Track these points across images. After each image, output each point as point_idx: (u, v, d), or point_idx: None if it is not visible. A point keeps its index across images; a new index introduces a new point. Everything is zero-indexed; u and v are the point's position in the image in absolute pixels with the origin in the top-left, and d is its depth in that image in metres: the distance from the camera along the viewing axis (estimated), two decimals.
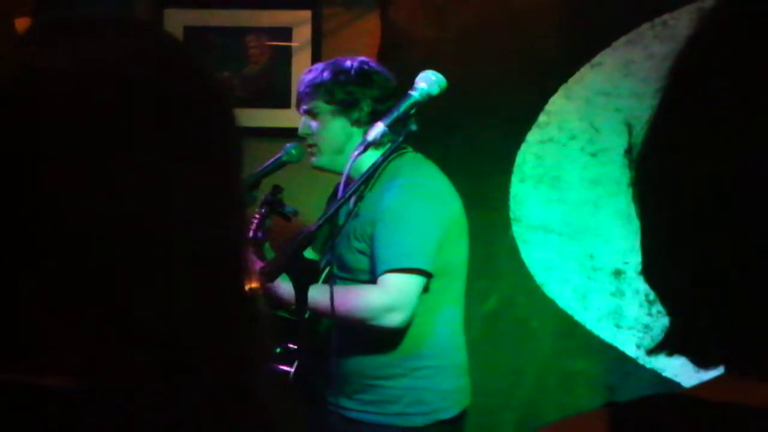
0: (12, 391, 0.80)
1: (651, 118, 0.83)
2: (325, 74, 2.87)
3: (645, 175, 0.84)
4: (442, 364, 2.85)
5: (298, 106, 2.96)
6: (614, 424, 0.82)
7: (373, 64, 2.93)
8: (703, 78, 0.81)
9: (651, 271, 0.85)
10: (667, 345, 0.84)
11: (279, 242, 2.96)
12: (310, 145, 2.93)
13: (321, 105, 2.88)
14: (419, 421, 2.80)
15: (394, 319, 2.71)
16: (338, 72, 2.86)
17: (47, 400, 0.80)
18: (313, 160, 2.94)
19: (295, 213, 3.00)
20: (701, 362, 0.82)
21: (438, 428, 2.81)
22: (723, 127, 0.78)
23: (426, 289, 2.78)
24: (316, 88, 2.87)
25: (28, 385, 0.80)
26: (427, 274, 2.74)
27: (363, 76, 2.87)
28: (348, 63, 2.89)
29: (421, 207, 2.77)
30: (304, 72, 2.97)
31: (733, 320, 0.79)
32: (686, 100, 0.82)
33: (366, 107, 2.85)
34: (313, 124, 2.90)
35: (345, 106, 2.86)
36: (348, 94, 2.85)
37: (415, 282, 2.72)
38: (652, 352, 0.85)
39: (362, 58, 2.93)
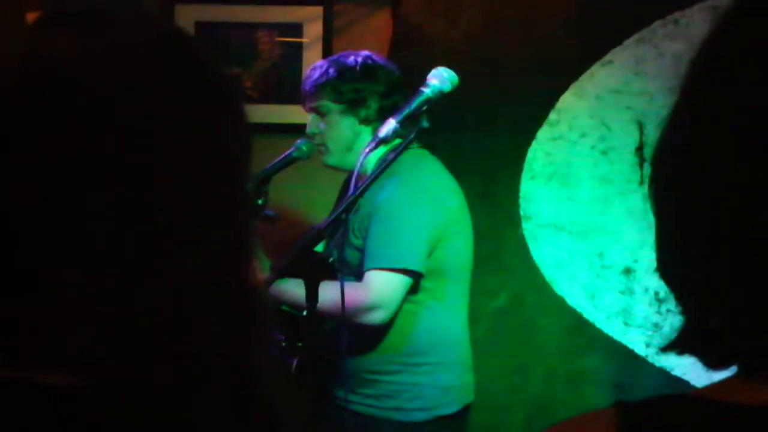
0: (12, 389, 0.80)
1: (667, 117, 0.83)
2: (331, 72, 2.84)
3: (660, 174, 0.84)
4: (442, 361, 2.84)
5: (303, 103, 2.95)
6: (623, 424, 0.82)
7: (376, 58, 2.90)
8: (720, 78, 0.80)
9: (665, 269, 0.84)
10: (679, 344, 0.84)
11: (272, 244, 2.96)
12: (320, 144, 2.93)
13: (328, 104, 2.86)
14: (419, 417, 2.80)
15: (374, 317, 2.71)
16: (344, 70, 2.84)
17: (47, 397, 0.80)
18: (324, 158, 2.94)
19: (276, 217, 2.97)
20: (712, 363, 0.82)
21: (438, 424, 2.81)
22: (740, 127, 0.78)
23: (419, 287, 2.77)
24: (323, 87, 2.85)
25: (29, 382, 0.80)
26: (415, 274, 2.73)
27: (368, 71, 2.85)
28: (352, 59, 2.87)
29: (415, 205, 2.75)
30: (309, 70, 2.94)
31: (746, 321, 0.79)
32: (703, 100, 0.81)
33: (373, 104, 2.84)
34: (321, 123, 2.89)
35: (353, 105, 2.84)
36: (355, 91, 2.83)
37: (400, 281, 2.71)
38: (664, 349, 0.84)
39: (365, 52, 2.91)
